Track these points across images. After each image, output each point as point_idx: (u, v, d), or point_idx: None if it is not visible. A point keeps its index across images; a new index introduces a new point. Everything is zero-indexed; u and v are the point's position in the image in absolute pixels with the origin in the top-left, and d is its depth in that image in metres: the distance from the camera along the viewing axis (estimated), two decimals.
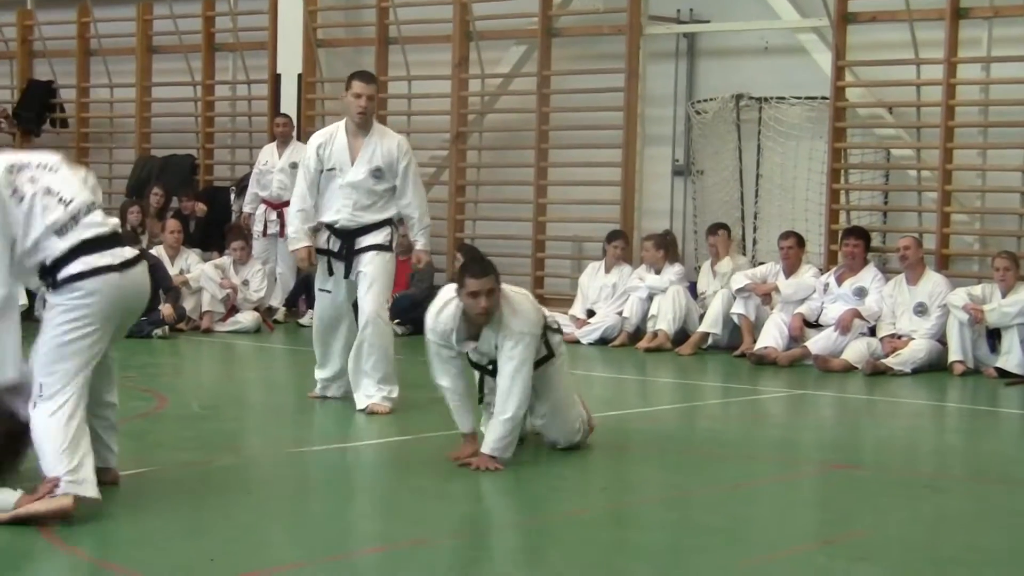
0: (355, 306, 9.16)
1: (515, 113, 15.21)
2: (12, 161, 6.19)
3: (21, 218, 6.03)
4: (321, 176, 8.95)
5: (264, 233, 14.84)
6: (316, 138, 9.09)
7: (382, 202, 8.94)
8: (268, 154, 15.04)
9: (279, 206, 14.80)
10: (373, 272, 8.90)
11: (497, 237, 14.93)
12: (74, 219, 6.12)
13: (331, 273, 9.03)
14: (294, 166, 14.78)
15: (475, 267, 7.20)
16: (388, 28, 15.54)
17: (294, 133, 15.18)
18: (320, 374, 9.39)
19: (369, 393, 8.86)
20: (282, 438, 8.35)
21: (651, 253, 13.27)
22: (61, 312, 6.06)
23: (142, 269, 6.32)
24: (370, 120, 8.94)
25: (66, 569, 5.44)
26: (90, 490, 5.90)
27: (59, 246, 6.04)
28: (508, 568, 5.58)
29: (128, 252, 6.24)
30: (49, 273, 6.06)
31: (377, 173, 8.88)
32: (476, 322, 7.19)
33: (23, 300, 13.02)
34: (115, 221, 6.36)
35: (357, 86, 8.89)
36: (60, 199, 6.13)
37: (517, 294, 7.40)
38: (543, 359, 7.47)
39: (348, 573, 5.51)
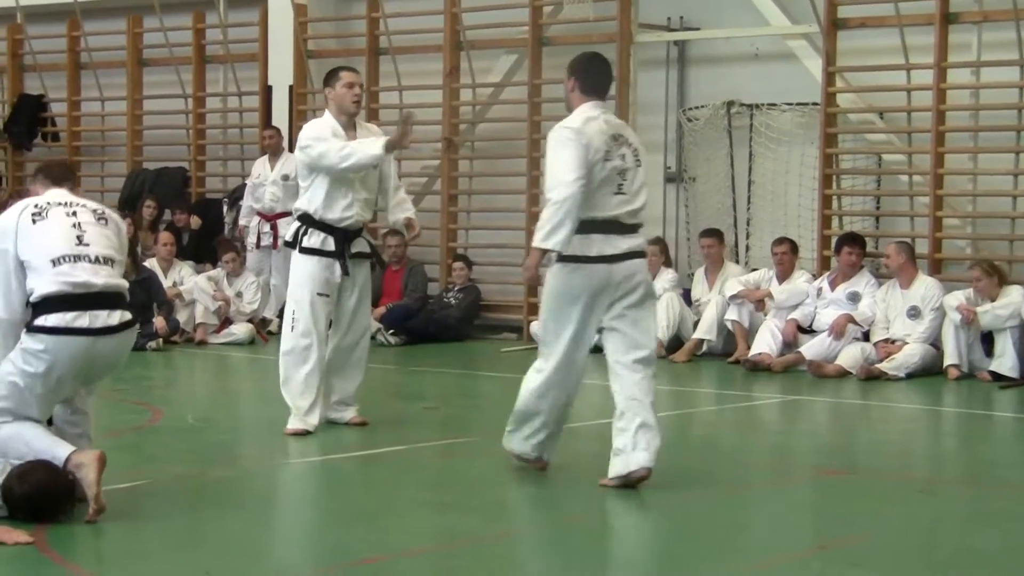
0: None
1: (506, 122, 15.21)
2: (66, 200, 6.34)
3: (33, 238, 6.14)
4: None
5: (258, 245, 14.83)
6: (323, 131, 8.44)
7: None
8: (260, 167, 15.07)
9: (272, 218, 14.82)
10: (366, 284, 8.71)
11: (490, 246, 14.93)
12: (76, 258, 6.14)
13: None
14: (285, 178, 14.82)
15: None
16: (379, 39, 15.53)
17: (284, 144, 15.19)
18: (314, 398, 8.50)
19: (350, 404, 8.73)
20: (277, 450, 8.34)
21: (656, 258, 13.27)
22: (21, 356, 6.11)
23: (126, 337, 6.28)
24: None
25: None
26: None
27: (45, 281, 6.07)
28: None
29: (115, 317, 6.20)
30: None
31: (376, 165, 8.49)
32: None
33: None
34: (117, 283, 6.28)
35: (348, 76, 8.57)
36: (79, 236, 6.19)
37: None
38: None
39: None
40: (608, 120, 7.21)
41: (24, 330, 6.11)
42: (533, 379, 7.15)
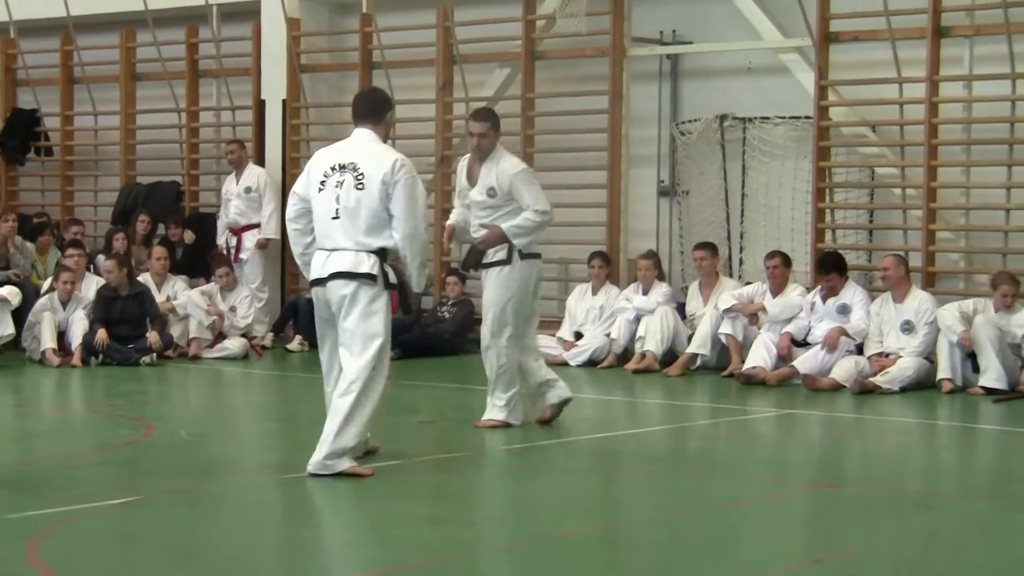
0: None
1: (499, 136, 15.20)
2: None
3: None
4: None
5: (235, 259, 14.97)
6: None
7: None
8: (228, 182, 15.24)
9: (238, 231, 14.96)
10: None
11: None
12: None
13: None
14: (248, 191, 14.96)
15: None
16: (372, 53, 15.55)
17: (250, 158, 15.36)
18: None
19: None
20: (271, 464, 8.33)
21: (649, 272, 13.31)
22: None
23: None
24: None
25: None
26: None
27: None
28: None
29: None
30: None
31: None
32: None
33: (10, 330, 13.11)
34: None
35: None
36: None
37: None
38: None
39: None
40: None
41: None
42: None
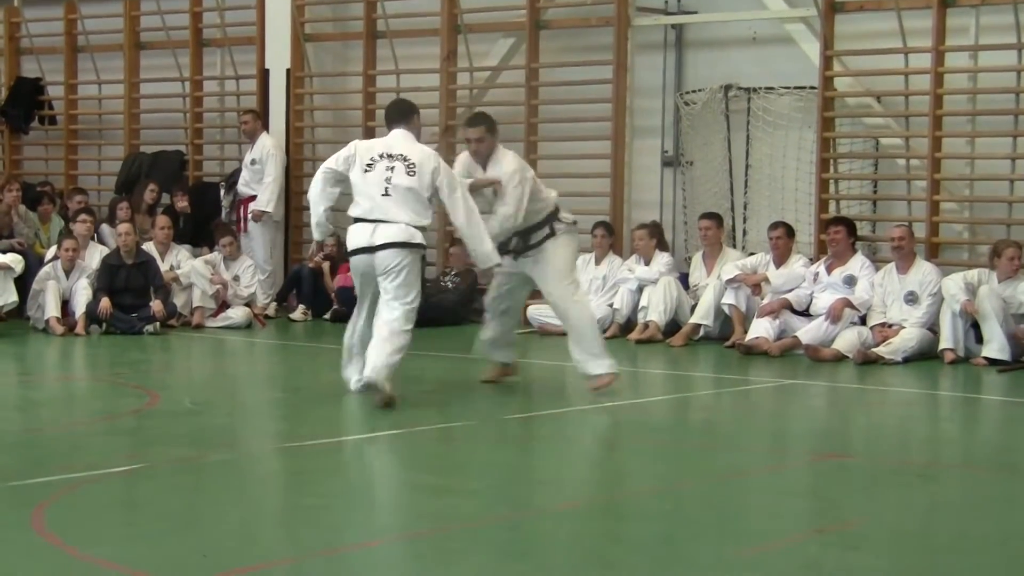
0: None
1: (504, 106, 15.15)
2: None
3: None
4: None
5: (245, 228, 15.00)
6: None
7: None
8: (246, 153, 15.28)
9: (244, 202, 15.06)
10: None
11: None
12: None
13: None
14: (253, 163, 14.97)
15: None
16: (376, 22, 15.52)
17: (263, 128, 15.30)
18: None
19: None
20: (274, 433, 8.35)
21: (645, 242, 13.30)
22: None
23: None
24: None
25: (59, 566, 5.42)
26: None
27: None
28: (501, 561, 5.58)
29: None
30: None
31: None
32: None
33: (13, 298, 13.14)
34: None
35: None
36: None
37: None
38: None
39: (340, 568, 5.51)
40: None
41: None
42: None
